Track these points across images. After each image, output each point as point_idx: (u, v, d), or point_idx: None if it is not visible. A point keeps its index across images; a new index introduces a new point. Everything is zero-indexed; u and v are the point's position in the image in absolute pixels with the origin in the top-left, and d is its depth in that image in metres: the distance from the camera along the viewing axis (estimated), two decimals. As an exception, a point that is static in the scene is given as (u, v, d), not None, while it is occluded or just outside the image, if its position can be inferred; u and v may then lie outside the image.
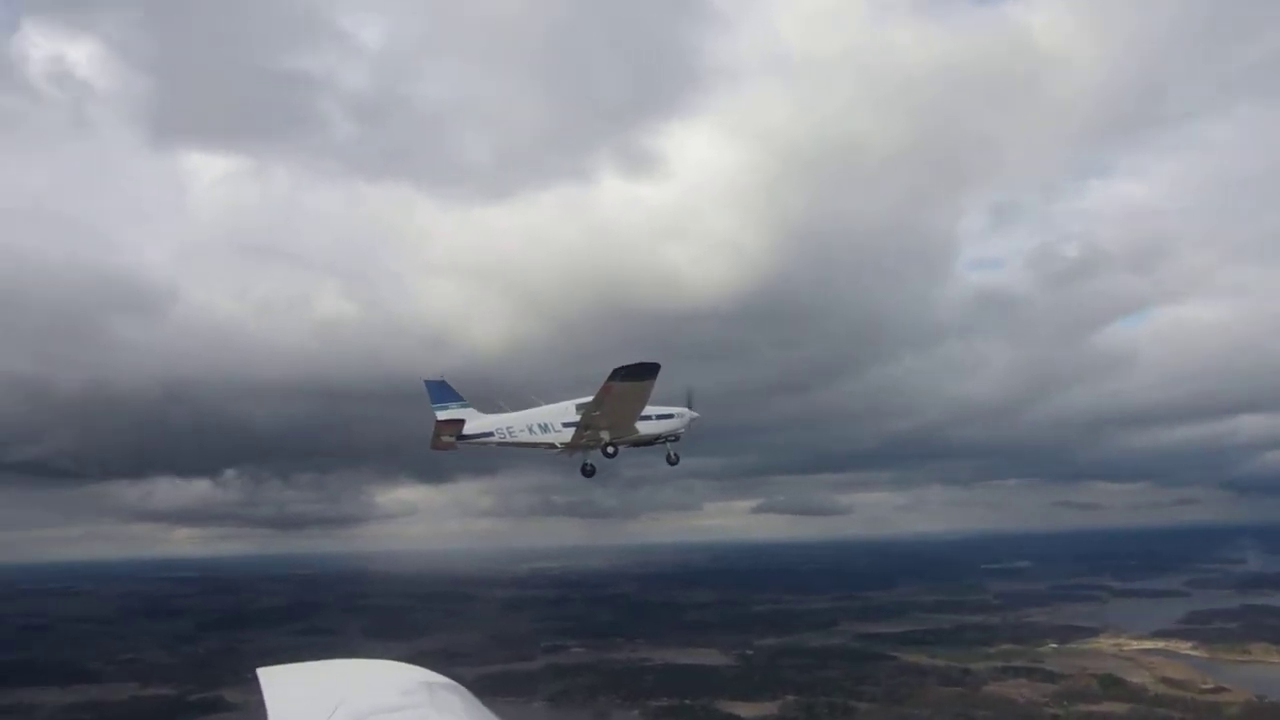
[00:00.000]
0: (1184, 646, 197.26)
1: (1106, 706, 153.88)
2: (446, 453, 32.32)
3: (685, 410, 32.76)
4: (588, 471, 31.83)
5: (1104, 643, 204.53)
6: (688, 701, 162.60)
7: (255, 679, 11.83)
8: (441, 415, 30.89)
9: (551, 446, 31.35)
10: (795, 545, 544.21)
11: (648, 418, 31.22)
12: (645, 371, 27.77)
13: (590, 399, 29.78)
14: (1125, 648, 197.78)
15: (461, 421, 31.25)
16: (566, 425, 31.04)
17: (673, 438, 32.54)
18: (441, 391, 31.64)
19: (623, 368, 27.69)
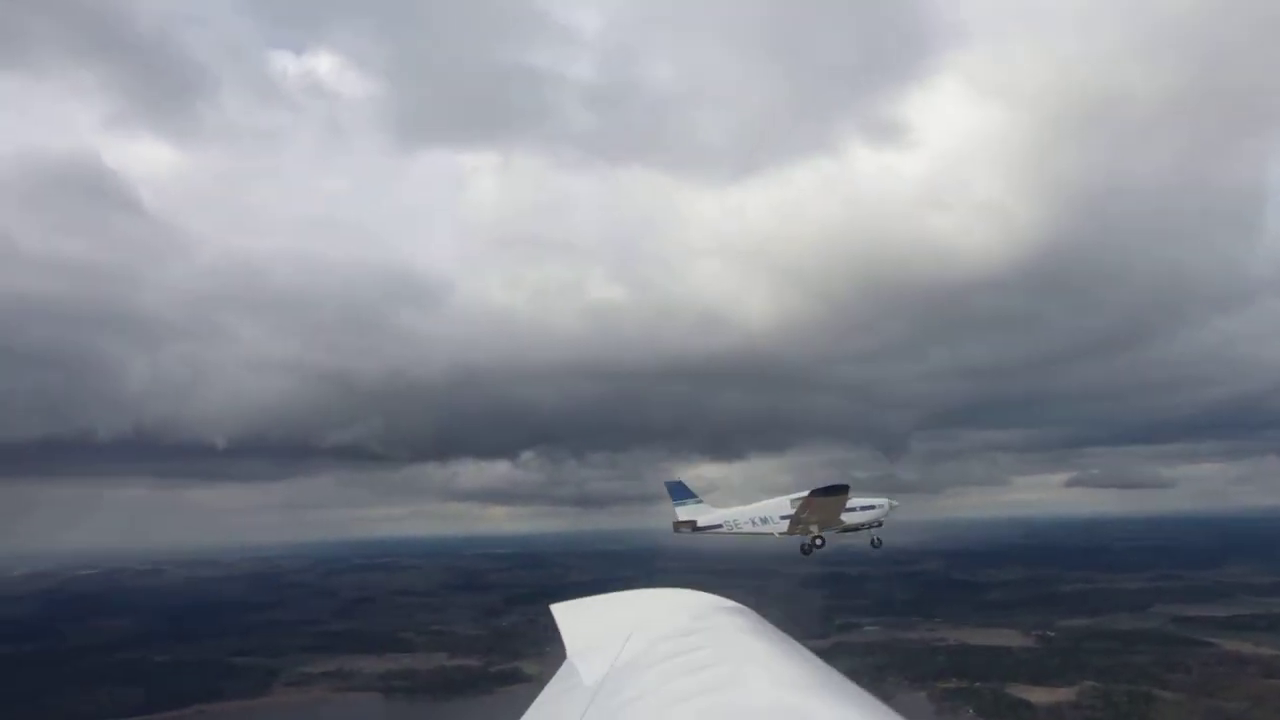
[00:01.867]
0: None
1: None
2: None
3: (885, 500, 37.20)
4: (806, 550, 36.12)
5: None
6: (978, 684, 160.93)
7: (553, 653, 12.60)
8: (680, 514, 36.36)
9: (770, 535, 36.16)
10: (1114, 520, 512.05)
11: (852, 509, 35.90)
12: (838, 490, 33.81)
13: (801, 496, 34.74)
14: None
15: (694, 521, 36.57)
16: (783, 518, 35.75)
17: (876, 524, 36.84)
18: (679, 490, 36.98)
19: (820, 489, 33.60)
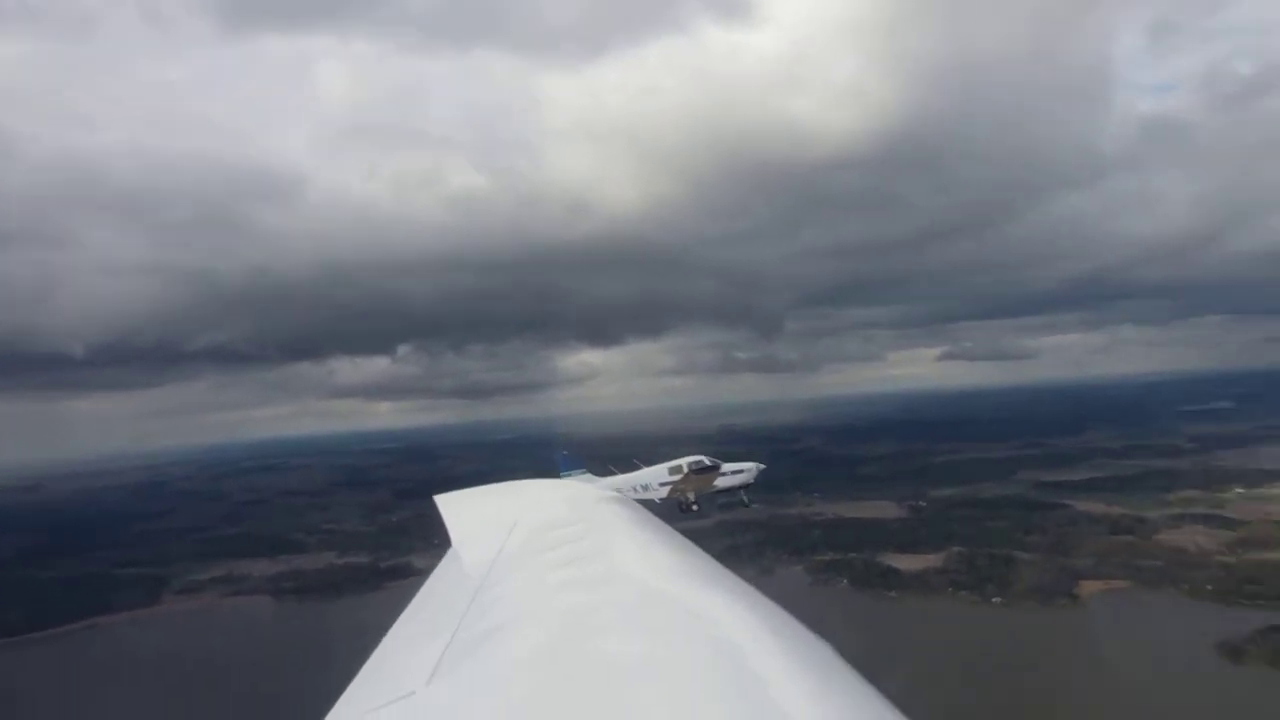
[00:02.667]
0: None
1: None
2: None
3: (754, 465, 40.64)
4: (683, 510, 38.86)
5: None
6: (851, 555, 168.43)
7: (442, 545, 12.57)
8: None
9: (651, 501, 38.14)
10: (985, 392, 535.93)
11: (724, 474, 39.24)
12: (711, 469, 37.96)
13: (679, 462, 38.66)
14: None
15: None
16: (662, 484, 38.57)
17: (745, 487, 40.29)
18: (566, 461, 39.45)
19: (696, 468, 37.70)
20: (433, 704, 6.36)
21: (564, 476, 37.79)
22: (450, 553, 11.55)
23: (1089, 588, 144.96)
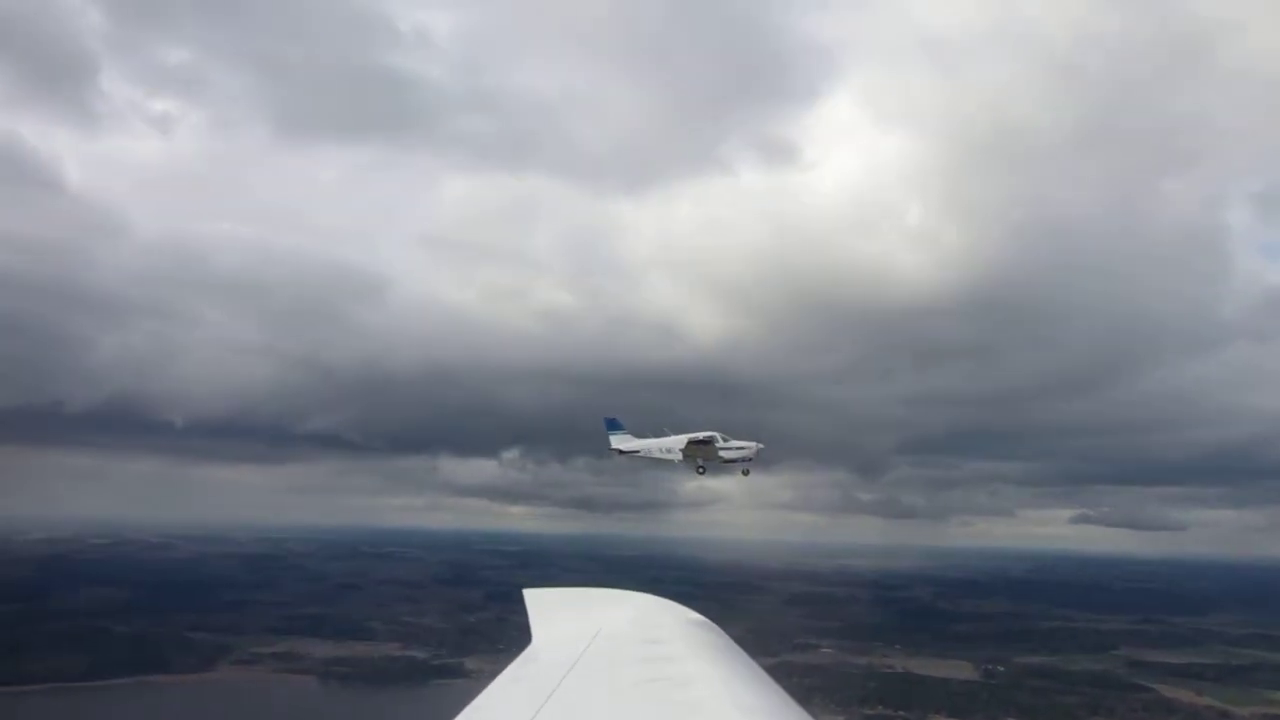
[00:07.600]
0: None
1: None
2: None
3: (754, 444, 46.84)
4: (700, 471, 46.65)
5: None
6: (901, 713, 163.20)
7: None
8: (613, 441, 47.27)
9: (672, 461, 46.87)
10: (1122, 560, 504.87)
11: (728, 448, 46.21)
12: (709, 440, 44.97)
13: (694, 435, 45.88)
14: None
15: (619, 448, 47.58)
16: (680, 450, 46.22)
17: (746, 460, 46.78)
18: (613, 424, 47.90)
19: (694, 441, 45.00)
20: None
21: (610, 435, 46.93)
22: (529, 649, 11.79)
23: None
